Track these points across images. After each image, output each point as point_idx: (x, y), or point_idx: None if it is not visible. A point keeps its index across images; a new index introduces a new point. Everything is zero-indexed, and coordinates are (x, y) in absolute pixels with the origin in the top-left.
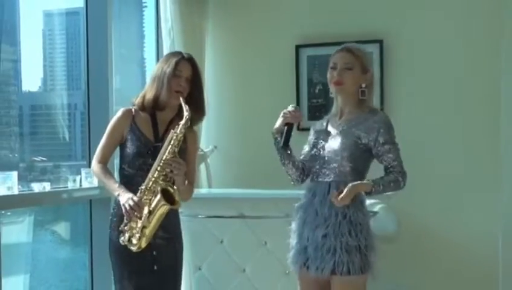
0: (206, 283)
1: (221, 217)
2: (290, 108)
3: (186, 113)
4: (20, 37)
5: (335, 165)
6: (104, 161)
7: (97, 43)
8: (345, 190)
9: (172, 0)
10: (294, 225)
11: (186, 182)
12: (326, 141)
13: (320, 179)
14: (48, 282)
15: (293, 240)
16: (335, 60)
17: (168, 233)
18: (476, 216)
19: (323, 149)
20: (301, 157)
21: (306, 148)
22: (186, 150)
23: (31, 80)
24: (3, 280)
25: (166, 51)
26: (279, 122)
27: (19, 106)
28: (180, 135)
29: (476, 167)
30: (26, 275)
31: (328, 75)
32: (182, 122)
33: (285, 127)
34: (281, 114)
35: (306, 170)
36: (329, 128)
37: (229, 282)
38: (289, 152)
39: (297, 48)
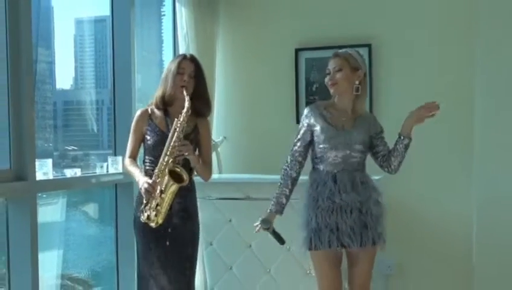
0: (217, 256)
1: (230, 199)
2: (261, 227)
3: (186, 103)
4: (54, 42)
5: (351, 156)
6: (133, 156)
7: (121, 47)
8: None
9: (187, 9)
10: (313, 212)
11: (201, 161)
12: (338, 136)
13: (340, 169)
14: (79, 256)
15: (312, 226)
16: (328, 66)
17: (187, 213)
18: (452, 199)
19: (342, 142)
20: (295, 148)
21: (301, 143)
22: (200, 136)
23: (64, 79)
24: (40, 255)
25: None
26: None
27: (53, 102)
28: (183, 122)
29: (452, 156)
30: (60, 250)
31: (325, 80)
32: (184, 110)
33: (271, 235)
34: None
35: (302, 167)
36: (336, 123)
37: (236, 256)
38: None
39: (297, 51)
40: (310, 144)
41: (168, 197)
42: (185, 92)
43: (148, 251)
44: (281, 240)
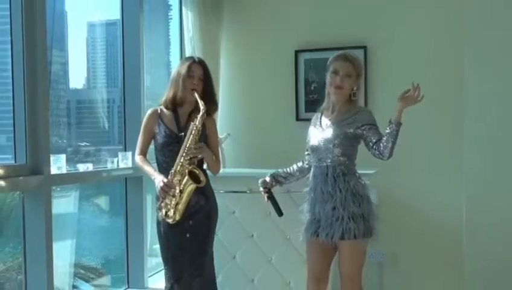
0: (221, 246)
1: (234, 192)
2: (260, 189)
3: (202, 108)
4: (68, 44)
5: (329, 151)
6: (143, 153)
7: (131, 48)
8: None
9: (193, 14)
10: (306, 205)
11: (214, 157)
12: (321, 132)
13: (320, 164)
14: (91, 245)
15: (305, 217)
16: (337, 66)
17: (204, 197)
18: (442, 191)
19: (320, 139)
20: (306, 153)
21: (308, 141)
22: (208, 134)
23: (77, 79)
24: (54, 244)
25: (188, 55)
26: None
27: (67, 100)
28: (199, 126)
29: (443, 151)
30: (73, 240)
31: (330, 79)
32: (199, 115)
33: (269, 201)
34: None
35: (309, 166)
36: (323, 121)
37: (239, 245)
38: (287, 182)
39: (296, 52)
40: None
41: (186, 195)
42: (196, 95)
43: (169, 242)
44: (279, 211)
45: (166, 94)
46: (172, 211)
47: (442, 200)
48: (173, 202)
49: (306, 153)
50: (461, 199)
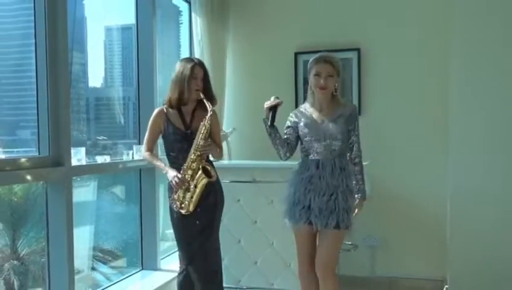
0: (227, 231)
1: (239, 181)
2: (272, 98)
3: (209, 109)
4: (87, 46)
5: (333, 146)
6: (150, 149)
7: (145, 51)
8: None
9: (201, 19)
10: (295, 193)
11: (218, 149)
12: (321, 128)
13: (325, 157)
14: (108, 231)
15: (290, 200)
16: (318, 69)
17: (210, 192)
18: (429, 182)
19: (322, 134)
20: (285, 137)
21: (290, 131)
22: (211, 126)
23: (95, 78)
24: (74, 230)
25: (198, 57)
26: (266, 111)
27: (86, 98)
28: (208, 126)
29: (430, 145)
30: (92, 226)
31: (314, 81)
32: (208, 116)
33: (271, 111)
34: (265, 104)
35: (291, 148)
36: (314, 116)
37: (244, 231)
38: (277, 132)
39: (296, 54)
40: (295, 138)
41: (199, 189)
42: (202, 96)
43: (182, 230)
44: (272, 121)
45: (170, 94)
46: (187, 202)
47: (429, 189)
48: (188, 195)
49: (289, 142)
50: (446, 189)
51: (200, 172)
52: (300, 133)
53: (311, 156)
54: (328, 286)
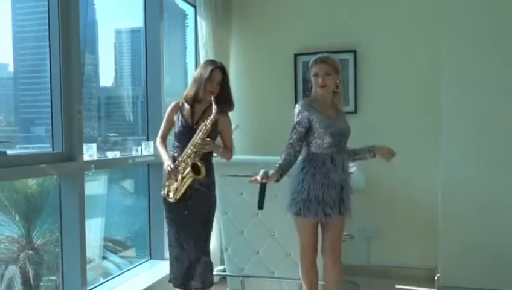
0: (230, 223)
1: (242, 176)
2: (258, 177)
3: (214, 112)
4: (98, 48)
5: (341, 142)
6: (163, 136)
7: (153, 52)
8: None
9: (206, 22)
10: (309, 187)
11: (224, 147)
12: (334, 122)
13: (337, 152)
14: (118, 222)
15: (305, 195)
16: (316, 69)
17: (205, 188)
18: (422, 178)
19: (336, 130)
20: (296, 136)
21: (301, 128)
22: (220, 129)
23: (106, 78)
24: (86, 221)
25: (202, 58)
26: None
27: (98, 97)
28: (208, 126)
29: (421, 141)
30: (103, 218)
31: (314, 81)
32: (210, 118)
33: (259, 191)
34: (251, 179)
35: (299, 151)
36: (325, 112)
37: (246, 222)
38: (284, 173)
39: (295, 55)
40: (304, 135)
41: (186, 182)
42: (212, 99)
43: (170, 217)
44: (262, 204)
45: (188, 91)
46: (172, 192)
47: (421, 185)
48: (174, 185)
49: (298, 140)
50: (437, 183)
51: (189, 168)
52: (313, 127)
53: (322, 150)
54: (336, 268)
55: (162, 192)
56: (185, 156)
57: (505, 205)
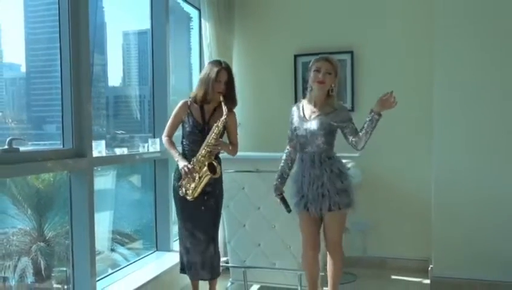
0: (233, 216)
1: (243, 171)
2: (275, 194)
3: (225, 113)
4: (107, 49)
5: (315, 140)
6: (169, 135)
7: (159, 53)
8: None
9: (210, 24)
10: (293, 186)
11: (231, 147)
12: (307, 123)
13: (306, 151)
14: (126, 216)
15: (293, 194)
16: (319, 65)
17: (217, 183)
18: (415, 171)
19: (306, 129)
20: (288, 140)
21: (289, 131)
22: (228, 125)
23: (114, 78)
24: (95, 215)
25: (206, 59)
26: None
27: (106, 96)
28: (221, 127)
29: (416, 137)
30: (111, 211)
31: (313, 76)
32: (222, 118)
33: (281, 202)
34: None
35: (294, 153)
36: (306, 114)
37: (248, 216)
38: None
39: (295, 56)
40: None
41: (203, 181)
42: (222, 100)
43: (187, 212)
44: (288, 208)
45: (196, 91)
46: (191, 191)
47: (415, 178)
48: (192, 185)
49: (290, 140)
50: (430, 177)
51: (205, 168)
52: (292, 127)
53: (300, 148)
54: (334, 261)
55: (180, 192)
56: (200, 156)
57: (497, 197)
